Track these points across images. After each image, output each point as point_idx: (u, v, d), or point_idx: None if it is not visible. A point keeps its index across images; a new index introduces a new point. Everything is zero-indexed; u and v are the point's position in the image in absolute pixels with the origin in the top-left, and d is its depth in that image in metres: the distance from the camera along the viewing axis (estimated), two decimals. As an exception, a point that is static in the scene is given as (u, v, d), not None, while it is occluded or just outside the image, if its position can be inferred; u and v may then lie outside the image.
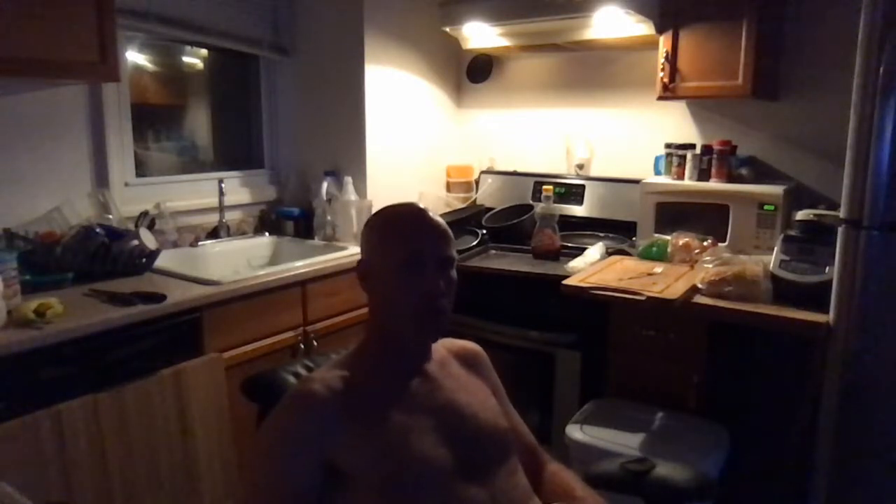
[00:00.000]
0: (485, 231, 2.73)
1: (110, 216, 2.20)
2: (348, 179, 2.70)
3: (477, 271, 2.43)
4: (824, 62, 2.32)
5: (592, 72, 2.87)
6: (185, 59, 2.73)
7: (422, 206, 1.15)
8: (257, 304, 2.07)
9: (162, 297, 1.81)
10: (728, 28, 2.21)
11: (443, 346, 1.23)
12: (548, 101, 3.00)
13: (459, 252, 2.54)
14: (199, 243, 2.53)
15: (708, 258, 2.08)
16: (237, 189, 2.77)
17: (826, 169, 2.32)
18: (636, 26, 2.42)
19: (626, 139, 2.81)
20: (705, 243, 2.26)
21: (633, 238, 2.50)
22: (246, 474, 1.15)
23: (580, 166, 2.90)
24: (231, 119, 2.93)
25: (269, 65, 2.91)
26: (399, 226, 1.12)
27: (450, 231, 1.14)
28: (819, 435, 1.80)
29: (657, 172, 2.63)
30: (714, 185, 2.35)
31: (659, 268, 2.20)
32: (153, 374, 1.78)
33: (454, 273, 1.12)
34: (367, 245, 1.14)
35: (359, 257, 1.16)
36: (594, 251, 2.41)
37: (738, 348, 2.26)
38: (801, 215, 2.06)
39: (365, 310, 1.19)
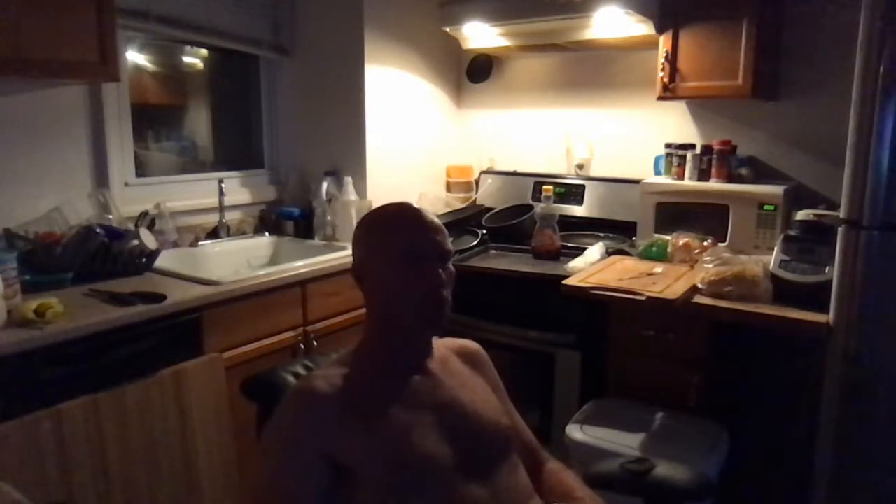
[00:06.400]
0: (485, 231, 2.73)
1: (110, 216, 2.20)
2: (348, 179, 2.69)
3: (477, 271, 2.43)
4: (824, 62, 2.32)
5: (592, 72, 2.87)
6: (185, 59, 2.73)
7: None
8: (257, 304, 2.07)
9: (162, 297, 1.81)
10: (728, 28, 2.21)
11: (443, 345, 1.23)
12: (548, 101, 3.00)
13: (459, 252, 2.55)
14: (199, 243, 2.53)
15: (708, 258, 2.08)
16: (237, 189, 2.77)
17: (826, 169, 2.32)
18: (636, 26, 2.42)
19: (626, 139, 2.81)
20: (705, 243, 2.26)
21: (633, 238, 2.50)
22: (253, 472, 1.15)
23: (580, 166, 2.90)
24: (231, 119, 2.93)
25: (269, 65, 2.91)
26: (398, 222, 1.14)
27: (443, 226, 1.16)
28: (819, 435, 1.79)
29: (657, 172, 2.63)
30: (714, 185, 2.35)
31: (659, 268, 2.20)
32: (153, 374, 1.78)
33: (451, 266, 1.14)
34: (362, 245, 1.15)
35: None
36: (594, 251, 2.41)
37: (738, 348, 2.27)
38: (801, 215, 2.06)
39: (365, 309, 1.18)
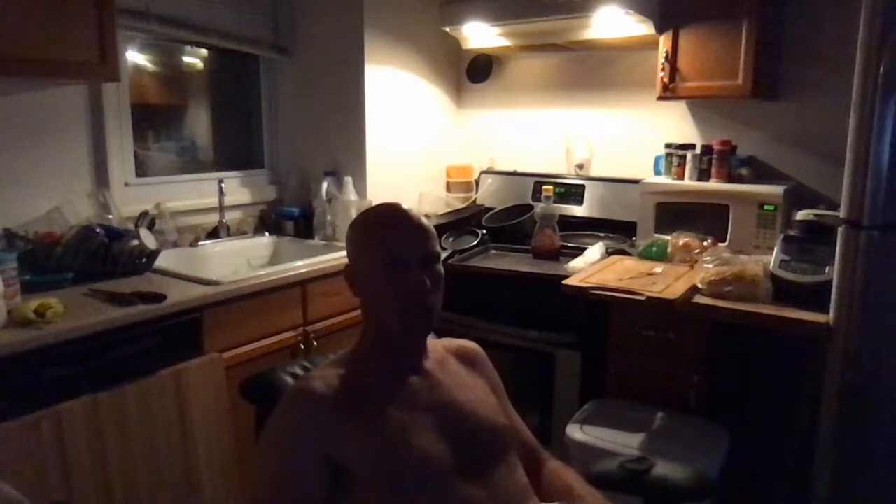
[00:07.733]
0: (485, 231, 2.73)
1: (110, 216, 2.20)
2: (348, 179, 2.69)
3: (477, 271, 2.43)
4: (824, 62, 2.32)
5: (592, 72, 2.87)
6: (185, 59, 2.73)
7: (404, 205, 1.15)
8: (257, 304, 2.07)
9: (162, 297, 1.81)
10: (728, 28, 2.21)
11: (441, 346, 1.23)
12: (548, 101, 3.00)
13: (459, 252, 2.56)
14: (199, 243, 2.53)
15: (708, 258, 2.08)
16: (237, 189, 2.77)
17: (826, 169, 2.32)
18: (636, 26, 2.42)
19: (626, 139, 2.81)
20: (705, 243, 2.26)
21: (633, 238, 2.50)
22: (251, 473, 1.15)
23: (580, 166, 2.90)
24: (231, 119, 2.93)
25: (269, 65, 2.91)
26: (378, 228, 1.12)
27: (431, 228, 1.13)
28: (819, 435, 1.79)
29: (657, 172, 2.63)
30: (714, 185, 2.35)
31: (659, 268, 2.20)
32: (153, 374, 1.78)
33: (440, 268, 1.12)
34: (351, 248, 1.15)
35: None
36: (594, 251, 2.41)
37: (738, 348, 2.27)
38: (801, 215, 2.06)
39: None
